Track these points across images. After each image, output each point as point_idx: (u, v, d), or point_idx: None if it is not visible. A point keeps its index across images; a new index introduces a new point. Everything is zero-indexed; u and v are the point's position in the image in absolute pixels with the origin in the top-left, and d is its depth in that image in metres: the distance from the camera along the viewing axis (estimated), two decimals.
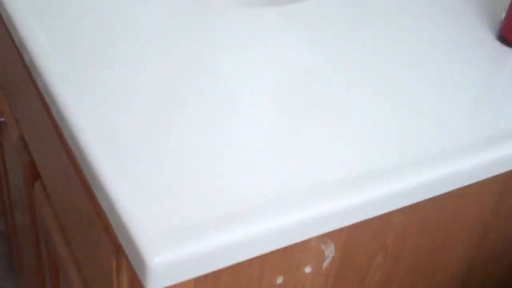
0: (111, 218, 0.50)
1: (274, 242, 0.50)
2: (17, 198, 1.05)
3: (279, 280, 0.57)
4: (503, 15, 0.76)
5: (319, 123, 0.59)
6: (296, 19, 0.73)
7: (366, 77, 0.66)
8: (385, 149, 0.57)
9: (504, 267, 0.78)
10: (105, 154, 0.53)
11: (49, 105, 0.61)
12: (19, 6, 0.70)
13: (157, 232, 0.46)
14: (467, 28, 0.77)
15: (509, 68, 0.72)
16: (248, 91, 0.62)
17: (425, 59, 0.71)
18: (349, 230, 0.58)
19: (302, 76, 0.65)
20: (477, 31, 0.77)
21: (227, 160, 0.54)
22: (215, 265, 0.48)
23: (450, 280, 0.72)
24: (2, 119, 0.99)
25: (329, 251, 0.58)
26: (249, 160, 0.54)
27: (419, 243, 0.65)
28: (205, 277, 0.52)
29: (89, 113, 0.57)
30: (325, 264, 0.59)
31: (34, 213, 0.89)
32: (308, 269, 0.58)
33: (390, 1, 0.79)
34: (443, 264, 0.70)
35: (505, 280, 0.80)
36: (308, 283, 0.59)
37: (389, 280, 0.66)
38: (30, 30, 0.66)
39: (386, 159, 0.56)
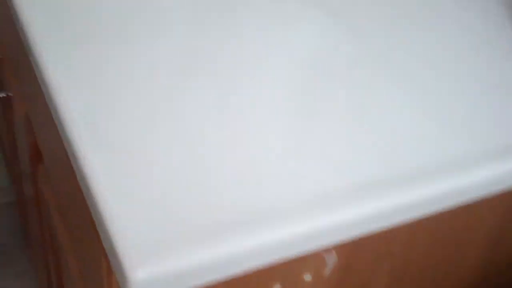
0: (99, 227, 0.48)
1: (268, 255, 0.48)
2: (25, 170, 1.04)
3: None
4: None
5: (331, 126, 0.57)
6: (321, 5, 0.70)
7: (385, 65, 0.63)
8: (395, 158, 0.54)
9: None
10: (94, 152, 0.50)
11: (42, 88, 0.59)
12: None
13: (142, 244, 0.44)
14: (487, 15, 0.72)
15: None
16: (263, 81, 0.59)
17: (450, 52, 0.67)
18: None
19: (323, 60, 0.63)
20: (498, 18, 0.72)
21: (222, 170, 0.52)
22: (203, 279, 0.46)
23: None
24: (10, 94, 0.97)
25: (330, 258, 0.56)
26: (250, 170, 0.52)
27: (428, 251, 0.62)
28: None
29: (82, 102, 0.54)
30: (326, 271, 0.57)
31: (37, 192, 0.88)
32: (308, 277, 0.56)
33: None
34: (454, 273, 0.67)
35: None
36: None
37: None
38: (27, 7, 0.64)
39: (393, 169, 0.53)
